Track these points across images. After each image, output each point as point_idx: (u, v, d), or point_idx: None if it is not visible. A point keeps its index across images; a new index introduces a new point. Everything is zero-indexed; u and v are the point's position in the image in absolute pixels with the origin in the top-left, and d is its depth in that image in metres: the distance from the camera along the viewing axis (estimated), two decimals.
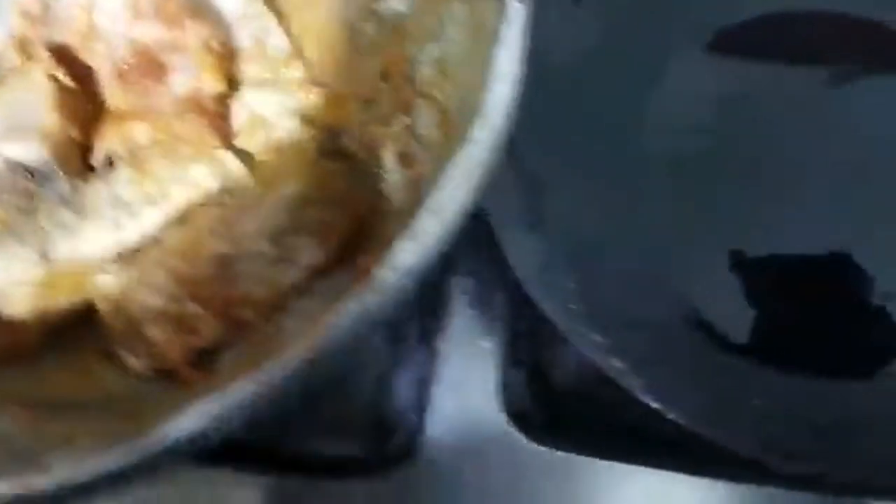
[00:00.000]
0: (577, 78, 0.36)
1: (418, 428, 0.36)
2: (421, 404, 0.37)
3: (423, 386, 0.37)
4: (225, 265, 0.28)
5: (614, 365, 0.31)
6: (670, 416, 0.30)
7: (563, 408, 0.37)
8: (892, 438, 0.31)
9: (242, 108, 0.32)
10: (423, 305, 0.38)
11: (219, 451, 0.22)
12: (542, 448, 0.35)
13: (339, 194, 0.28)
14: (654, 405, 0.31)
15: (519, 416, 0.36)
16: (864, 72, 0.40)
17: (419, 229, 0.21)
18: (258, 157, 0.31)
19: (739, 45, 0.40)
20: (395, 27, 0.30)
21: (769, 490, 0.33)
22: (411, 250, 0.21)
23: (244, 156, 0.31)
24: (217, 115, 0.31)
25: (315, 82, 0.33)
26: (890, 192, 0.38)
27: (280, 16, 0.34)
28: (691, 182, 0.38)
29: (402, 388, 0.37)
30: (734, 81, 0.40)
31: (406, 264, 0.21)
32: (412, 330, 0.38)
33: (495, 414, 0.36)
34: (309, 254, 0.28)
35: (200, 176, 0.30)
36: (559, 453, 0.35)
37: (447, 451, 0.36)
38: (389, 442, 0.36)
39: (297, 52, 0.34)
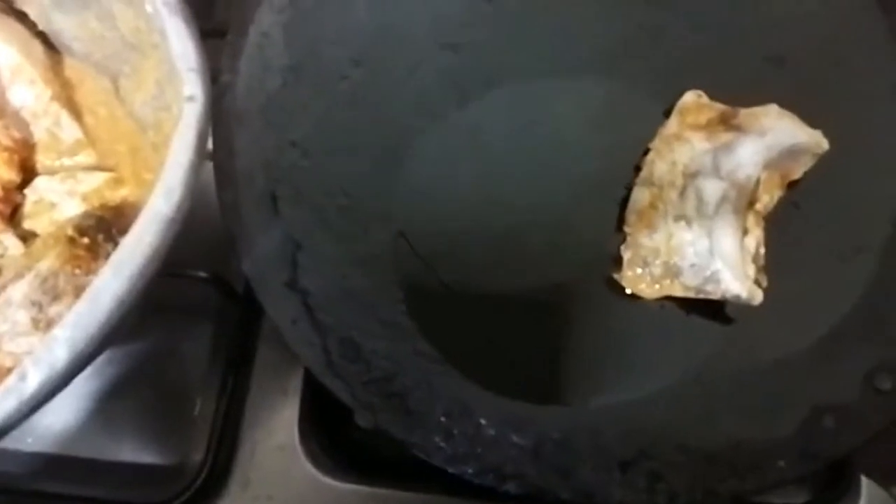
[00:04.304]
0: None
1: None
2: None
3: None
4: None
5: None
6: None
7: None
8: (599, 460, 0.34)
9: (33, 193, 0.37)
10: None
11: None
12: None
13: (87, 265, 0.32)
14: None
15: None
16: None
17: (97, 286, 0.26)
18: (43, 235, 0.36)
19: None
20: None
21: None
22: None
23: (29, 235, 0.36)
24: (4, 201, 0.36)
25: (101, 167, 0.38)
26: None
27: (76, 108, 0.39)
28: None
29: None
30: None
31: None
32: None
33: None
34: None
35: None
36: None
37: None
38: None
39: (88, 141, 0.39)
